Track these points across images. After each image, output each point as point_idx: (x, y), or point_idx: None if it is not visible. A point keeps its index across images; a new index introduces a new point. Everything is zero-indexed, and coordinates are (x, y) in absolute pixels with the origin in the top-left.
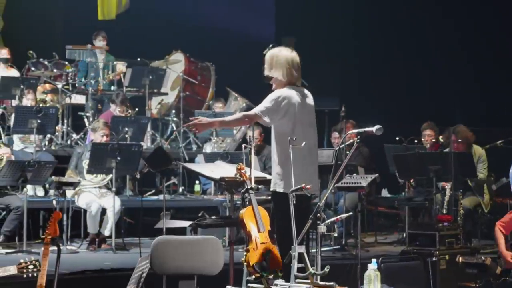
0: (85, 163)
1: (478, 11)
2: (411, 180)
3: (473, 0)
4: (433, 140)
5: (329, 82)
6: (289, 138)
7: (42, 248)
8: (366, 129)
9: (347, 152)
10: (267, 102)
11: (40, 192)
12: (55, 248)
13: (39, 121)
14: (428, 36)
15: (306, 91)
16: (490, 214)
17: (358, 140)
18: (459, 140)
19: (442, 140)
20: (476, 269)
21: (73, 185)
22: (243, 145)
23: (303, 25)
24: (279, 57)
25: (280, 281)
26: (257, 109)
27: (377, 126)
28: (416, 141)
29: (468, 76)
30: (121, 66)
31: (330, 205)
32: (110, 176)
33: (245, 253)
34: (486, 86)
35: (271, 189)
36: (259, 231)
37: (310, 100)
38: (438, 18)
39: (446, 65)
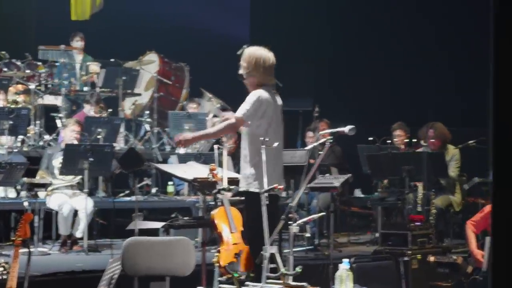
0: (56, 163)
1: (455, 10)
2: (385, 181)
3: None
4: (405, 140)
5: (303, 83)
6: (262, 138)
7: (13, 250)
8: (339, 129)
9: (320, 152)
10: (248, 105)
11: (12, 193)
12: (26, 250)
13: (10, 122)
14: (402, 36)
15: (274, 91)
16: (462, 214)
17: (330, 140)
18: (436, 135)
19: (414, 141)
20: (447, 268)
21: (45, 186)
22: (215, 146)
23: (278, 25)
24: (256, 56)
25: (251, 283)
26: (240, 114)
27: (350, 126)
28: (389, 141)
29: (441, 76)
30: (94, 66)
31: (303, 205)
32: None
33: (216, 254)
34: (459, 86)
35: (242, 189)
36: (231, 232)
37: (279, 100)
38: (413, 18)
39: (420, 65)
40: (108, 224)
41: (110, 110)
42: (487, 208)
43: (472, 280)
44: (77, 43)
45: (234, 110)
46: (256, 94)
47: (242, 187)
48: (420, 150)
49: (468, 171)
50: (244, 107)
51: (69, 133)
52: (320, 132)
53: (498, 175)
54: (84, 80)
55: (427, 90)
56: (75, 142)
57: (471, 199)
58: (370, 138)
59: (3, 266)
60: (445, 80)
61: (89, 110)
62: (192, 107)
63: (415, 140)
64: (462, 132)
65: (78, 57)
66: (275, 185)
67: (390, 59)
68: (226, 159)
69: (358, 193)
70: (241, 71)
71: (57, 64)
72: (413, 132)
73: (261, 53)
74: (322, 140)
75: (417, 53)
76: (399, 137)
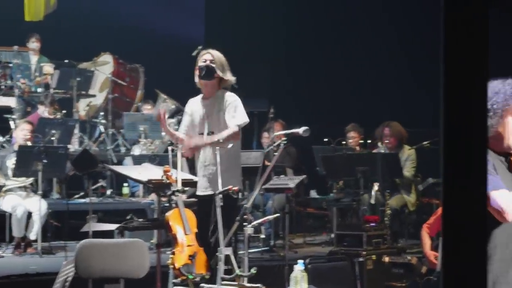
0: (9, 164)
1: (411, 10)
2: (340, 182)
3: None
4: (360, 141)
5: (258, 84)
6: None
7: None
8: (293, 130)
9: (275, 153)
10: (242, 109)
11: None
12: None
13: None
14: (356, 36)
15: None
16: (416, 214)
17: (285, 141)
18: (392, 134)
19: (369, 142)
20: (402, 268)
21: None
22: (169, 148)
23: (233, 25)
24: (224, 58)
25: (206, 285)
26: (242, 120)
27: (304, 128)
28: (344, 142)
29: (397, 76)
30: (48, 68)
31: (258, 206)
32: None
33: (171, 256)
34: (414, 87)
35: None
36: (185, 234)
37: None
38: (369, 17)
39: (375, 65)
40: (62, 226)
41: (64, 111)
42: (440, 210)
43: (426, 280)
44: (33, 44)
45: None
46: (236, 97)
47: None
48: (375, 151)
49: (423, 171)
50: (241, 112)
51: (20, 133)
52: (275, 133)
53: (448, 176)
54: (38, 82)
55: (382, 91)
56: (28, 143)
57: (426, 199)
58: (325, 139)
59: None
60: (400, 81)
61: (43, 111)
62: (147, 108)
63: (370, 141)
64: (418, 133)
65: (34, 58)
66: (229, 187)
67: (345, 60)
68: (180, 161)
69: (313, 194)
70: (220, 74)
71: (10, 65)
72: (368, 133)
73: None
74: (277, 142)
75: (373, 54)
76: (353, 138)
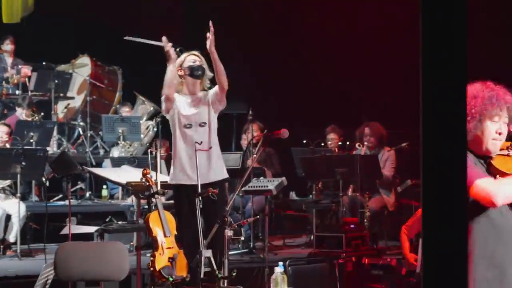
0: None
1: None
2: (319, 184)
3: None
4: (339, 143)
5: (237, 86)
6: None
7: None
8: (273, 132)
9: (254, 155)
10: None
11: None
12: None
13: None
14: (335, 37)
15: None
16: (395, 215)
17: (262, 143)
18: (372, 133)
19: (348, 143)
20: (381, 270)
21: None
22: (149, 150)
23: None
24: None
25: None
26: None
27: (283, 130)
28: (322, 144)
29: (375, 77)
30: (26, 70)
31: (238, 208)
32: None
33: (151, 258)
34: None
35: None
36: (165, 236)
37: None
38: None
39: (354, 67)
40: (42, 228)
41: (42, 114)
42: (419, 212)
43: (406, 281)
44: (7, 46)
45: None
46: None
47: (222, 176)
48: (354, 152)
49: (401, 173)
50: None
51: None
52: (255, 135)
53: (427, 177)
54: (14, 82)
55: (361, 92)
56: (6, 145)
57: (405, 200)
58: (304, 141)
59: None
60: (380, 82)
61: (21, 113)
62: (125, 111)
63: (348, 142)
64: (396, 135)
65: (9, 60)
66: (209, 189)
67: (324, 61)
68: (159, 163)
69: (293, 195)
70: (207, 72)
71: None
72: (348, 135)
73: None
74: (258, 146)
75: (352, 55)
76: (332, 140)
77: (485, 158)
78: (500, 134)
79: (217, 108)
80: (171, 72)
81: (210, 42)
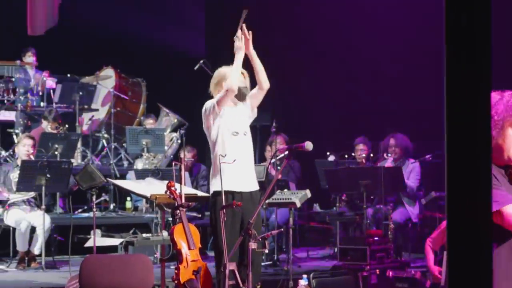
0: (13, 177)
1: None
2: (343, 196)
3: None
4: (365, 155)
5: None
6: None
7: None
8: (297, 144)
9: (279, 167)
10: None
11: None
12: None
13: None
14: (360, 49)
15: None
16: (420, 228)
17: (286, 155)
18: (397, 144)
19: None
20: (406, 283)
21: (1, 202)
22: (173, 162)
23: (232, 40)
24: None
25: None
26: None
27: (307, 142)
28: (346, 156)
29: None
30: (50, 81)
31: (262, 220)
32: None
33: (175, 271)
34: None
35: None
36: (189, 249)
37: None
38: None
39: (378, 79)
40: (66, 240)
41: (66, 126)
42: (444, 224)
43: None
44: (29, 58)
45: (192, 124)
46: None
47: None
48: (380, 164)
49: (426, 185)
50: None
51: (22, 148)
52: (279, 147)
53: (452, 192)
54: (38, 91)
55: (386, 104)
56: (31, 157)
57: (429, 213)
58: (328, 153)
59: None
60: (404, 94)
61: (46, 126)
62: (149, 123)
63: (372, 155)
64: (421, 146)
65: (31, 72)
66: (233, 201)
67: (348, 73)
68: (184, 175)
69: (316, 208)
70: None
71: (13, 79)
72: (374, 147)
73: None
74: (280, 156)
75: (376, 68)
76: (361, 151)
77: (506, 167)
78: None
79: (251, 117)
80: (239, 63)
81: (238, 44)
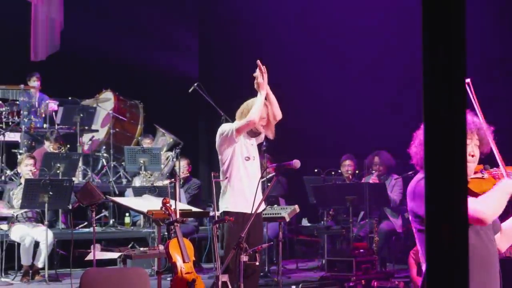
0: (14, 196)
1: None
2: (331, 210)
3: None
4: (351, 172)
5: None
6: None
7: None
8: (285, 162)
9: (268, 184)
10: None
11: None
12: None
13: None
14: (346, 68)
15: None
16: (403, 240)
17: (276, 174)
18: (381, 162)
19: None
20: None
21: (6, 219)
22: (168, 181)
23: (225, 62)
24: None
25: None
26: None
27: (295, 160)
28: (333, 172)
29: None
30: (53, 104)
31: None
32: None
33: (170, 283)
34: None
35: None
36: (184, 262)
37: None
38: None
39: (364, 96)
40: (68, 254)
41: (68, 146)
42: None
43: None
44: (34, 82)
45: (186, 144)
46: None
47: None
48: (364, 180)
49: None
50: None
51: (24, 168)
52: (269, 166)
53: (431, 208)
54: (42, 113)
55: (370, 122)
56: (32, 176)
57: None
58: (316, 170)
59: None
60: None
61: (48, 146)
62: (146, 142)
63: (358, 171)
64: (405, 164)
65: (36, 96)
66: (225, 216)
67: (334, 92)
68: (179, 192)
69: (305, 222)
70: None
71: (17, 102)
72: (359, 164)
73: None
74: (269, 175)
75: (361, 86)
76: (348, 167)
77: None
78: (472, 156)
79: (258, 142)
80: (262, 98)
81: (260, 81)
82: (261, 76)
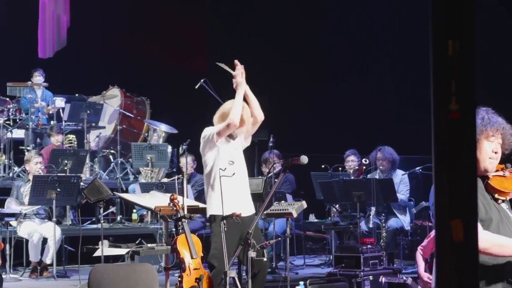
0: (25, 194)
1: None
2: (337, 206)
3: None
4: (356, 167)
5: None
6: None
7: None
8: (293, 158)
9: (276, 180)
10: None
11: None
12: None
13: None
14: (352, 65)
15: None
16: (411, 236)
17: (282, 169)
18: (385, 157)
19: (364, 162)
20: None
21: (15, 216)
22: (175, 177)
23: (233, 58)
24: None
25: None
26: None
27: (303, 156)
28: (340, 168)
29: (390, 106)
30: (59, 100)
31: (261, 230)
32: None
33: (178, 279)
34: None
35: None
36: (192, 258)
37: None
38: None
39: (370, 93)
40: (76, 250)
41: (73, 136)
42: (433, 233)
43: None
44: (36, 78)
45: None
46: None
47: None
48: (370, 175)
49: (417, 196)
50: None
51: (34, 166)
52: (275, 162)
53: (439, 204)
54: (48, 110)
55: (376, 118)
56: (41, 172)
57: (419, 221)
58: (323, 166)
59: None
60: (393, 107)
61: (55, 140)
62: (152, 138)
63: (365, 167)
64: (407, 161)
65: (39, 93)
66: (233, 212)
67: (341, 89)
68: (186, 188)
69: (312, 218)
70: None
71: (20, 98)
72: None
73: None
74: (277, 170)
75: (368, 82)
76: (352, 162)
77: (482, 178)
78: (495, 153)
79: (244, 146)
80: (241, 98)
81: (239, 80)
82: (239, 75)
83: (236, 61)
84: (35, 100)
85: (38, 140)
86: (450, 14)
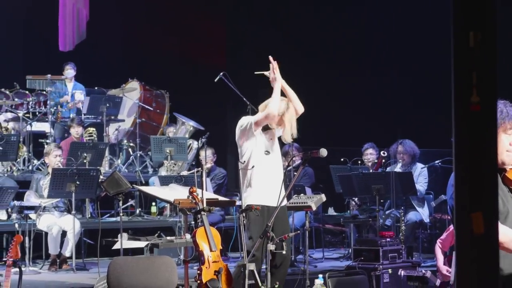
0: (43, 185)
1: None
2: (356, 199)
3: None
4: (375, 160)
5: None
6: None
7: (5, 270)
8: (312, 151)
9: (295, 173)
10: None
11: (3, 215)
12: (17, 269)
13: (0, 148)
14: (372, 58)
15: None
16: (430, 229)
17: (301, 162)
18: (405, 151)
19: (383, 155)
20: (417, 281)
21: (34, 209)
22: (195, 170)
23: (252, 53)
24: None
25: None
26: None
27: (322, 149)
28: (359, 161)
29: (410, 99)
30: (79, 94)
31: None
32: None
33: (197, 272)
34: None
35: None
36: (211, 250)
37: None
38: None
39: (389, 88)
40: (95, 243)
41: (93, 129)
42: (452, 226)
43: None
44: (67, 71)
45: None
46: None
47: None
48: (389, 168)
49: (436, 189)
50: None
51: (53, 159)
52: (295, 154)
53: (460, 197)
54: (70, 107)
55: (394, 111)
56: (60, 165)
57: (439, 215)
58: (342, 159)
59: None
60: (416, 101)
61: (75, 132)
62: (171, 131)
63: (384, 160)
64: (430, 153)
65: (70, 86)
66: (251, 205)
67: (360, 82)
68: (205, 181)
69: (331, 211)
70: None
71: (44, 93)
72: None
73: None
74: (296, 164)
75: (386, 76)
76: (370, 155)
77: (499, 171)
78: None
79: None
80: (278, 92)
81: (274, 76)
82: (273, 72)
83: (270, 57)
84: (65, 94)
85: (66, 134)
86: (471, 6)
